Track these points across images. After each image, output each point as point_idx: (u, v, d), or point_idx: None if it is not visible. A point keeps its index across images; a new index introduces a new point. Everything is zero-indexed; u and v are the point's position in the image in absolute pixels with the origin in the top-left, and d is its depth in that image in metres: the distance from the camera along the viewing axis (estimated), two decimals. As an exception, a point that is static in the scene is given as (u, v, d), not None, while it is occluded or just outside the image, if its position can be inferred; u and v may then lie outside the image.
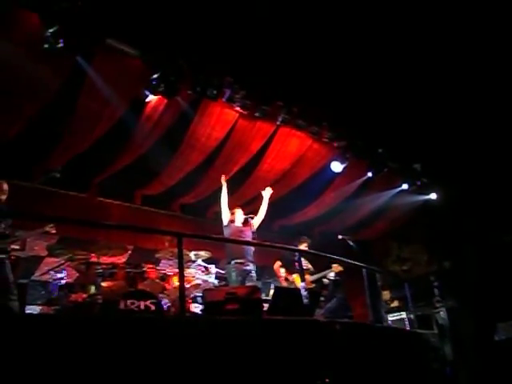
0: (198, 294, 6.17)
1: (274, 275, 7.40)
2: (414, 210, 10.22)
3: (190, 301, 6.08)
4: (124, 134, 7.13)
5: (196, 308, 6.02)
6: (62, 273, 6.14)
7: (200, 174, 8.41)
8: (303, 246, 7.10)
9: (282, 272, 7.20)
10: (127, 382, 3.45)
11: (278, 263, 7.27)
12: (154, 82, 6.28)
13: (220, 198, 6.48)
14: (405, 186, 9.77)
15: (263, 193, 6.70)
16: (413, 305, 7.51)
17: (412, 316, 7.62)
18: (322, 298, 6.90)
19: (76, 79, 6.04)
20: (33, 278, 6.91)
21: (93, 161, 7.44)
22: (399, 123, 8.39)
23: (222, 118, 7.46)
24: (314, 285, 7.03)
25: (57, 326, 3.46)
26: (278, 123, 7.87)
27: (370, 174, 9.28)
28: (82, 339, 3.43)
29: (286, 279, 7.12)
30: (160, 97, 6.59)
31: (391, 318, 8.11)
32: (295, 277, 6.92)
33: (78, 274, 6.43)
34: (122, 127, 6.84)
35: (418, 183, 9.80)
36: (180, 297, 4.55)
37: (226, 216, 6.36)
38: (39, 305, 6.10)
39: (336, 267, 7.15)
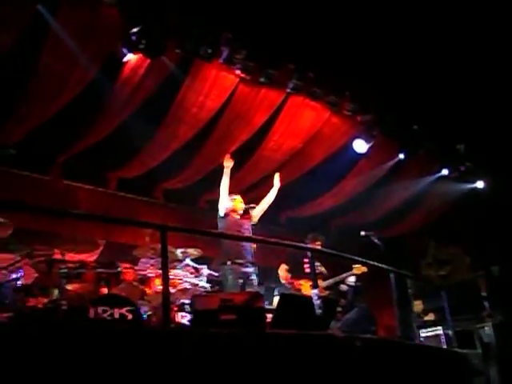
0: (185, 301, 6.21)
1: (280, 280, 7.43)
2: (456, 202, 10.22)
3: (176, 309, 6.11)
4: (96, 102, 7.13)
5: (183, 318, 6.06)
6: (18, 272, 6.16)
7: (189, 152, 8.43)
8: (316, 245, 7.12)
9: (290, 277, 7.23)
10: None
11: (284, 267, 7.30)
12: (133, 38, 6.26)
13: (214, 183, 6.49)
14: (445, 172, 9.80)
15: (274, 178, 6.68)
16: (451, 318, 7.54)
17: (450, 332, 7.65)
18: (339, 308, 6.93)
19: (36, 33, 6.02)
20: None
21: (57, 135, 7.45)
22: (439, 94, 8.36)
23: (217, 83, 7.46)
24: (328, 292, 7.06)
25: (11, 337, 3.49)
26: (287, 91, 7.86)
27: (401, 156, 9.30)
28: (42, 354, 3.45)
29: (294, 285, 7.16)
30: (141, 56, 6.58)
31: (424, 333, 8.14)
32: (302, 283, 6.95)
33: (37, 275, 6.46)
34: (93, 94, 6.83)
35: (462, 168, 9.81)
36: (163, 304, 4.57)
37: (224, 205, 6.36)
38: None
39: (358, 269, 7.17)
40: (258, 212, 6.56)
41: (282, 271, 7.32)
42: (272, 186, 6.78)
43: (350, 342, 4.95)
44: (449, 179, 9.90)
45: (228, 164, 6.38)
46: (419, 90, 8.37)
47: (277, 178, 6.72)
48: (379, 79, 8.14)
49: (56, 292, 6.02)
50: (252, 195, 7.76)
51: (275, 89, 7.81)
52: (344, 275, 7.30)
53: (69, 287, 6.00)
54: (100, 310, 4.58)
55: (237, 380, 4.03)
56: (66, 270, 6.05)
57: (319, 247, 7.07)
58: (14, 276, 6.11)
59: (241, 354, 4.16)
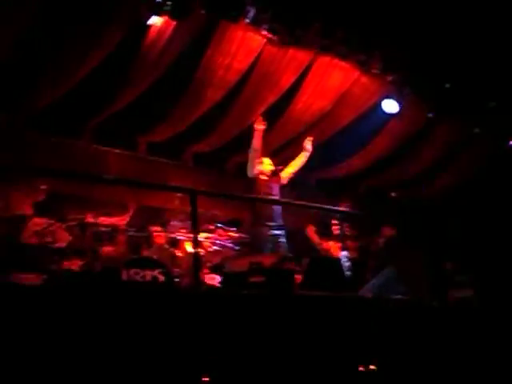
0: (215, 263, 6.29)
1: (308, 242, 7.44)
2: (489, 162, 10.02)
3: (207, 271, 6.20)
4: (122, 66, 7.10)
5: (213, 280, 6.14)
6: (52, 236, 6.31)
7: (217, 115, 8.38)
8: (344, 207, 7.09)
9: (318, 239, 7.23)
10: (131, 366, 3.58)
11: (312, 228, 7.29)
12: (158, 0, 6.17)
13: (242, 146, 6.46)
14: (476, 131, 9.54)
15: (306, 143, 6.60)
16: (483, 279, 7.47)
17: (481, 293, 7.59)
18: (368, 270, 6.93)
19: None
20: (18, 241, 7.13)
21: (85, 100, 7.47)
22: (471, 51, 8.08)
23: (244, 44, 7.35)
24: (357, 253, 7.06)
25: (47, 299, 3.58)
26: (315, 51, 7.71)
27: (432, 115, 9.07)
28: (77, 315, 3.55)
29: (323, 247, 7.17)
30: (166, 18, 6.50)
31: (455, 295, 8.11)
32: (331, 244, 6.95)
33: (71, 238, 6.60)
34: (120, 58, 6.81)
35: (494, 127, 9.54)
36: (194, 266, 4.64)
37: (253, 168, 6.32)
38: (25, 272, 6.32)
39: (387, 231, 7.14)
40: (287, 174, 6.52)
41: (311, 233, 7.33)
42: (301, 147, 6.72)
43: (379, 303, 4.97)
44: (481, 139, 9.67)
45: (259, 127, 6.31)
46: (450, 46, 8.10)
47: (309, 142, 6.64)
48: (409, 36, 7.89)
49: (89, 254, 6.17)
50: (280, 157, 7.71)
51: (303, 49, 7.66)
52: (373, 237, 7.27)
53: (101, 250, 6.13)
54: (132, 272, 4.70)
55: (265, 341, 4.09)
56: (98, 234, 6.18)
57: (348, 209, 7.04)
58: (48, 239, 6.27)
59: (270, 316, 4.21)
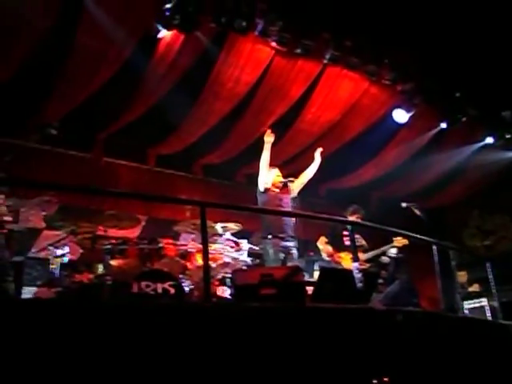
0: (226, 275, 6.28)
1: (320, 253, 7.42)
2: (501, 171, 9.95)
3: (217, 283, 6.20)
4: (133, 79, 7.18)
5: (224, 292, 6.14)
6: (63, 249, 6.34)
7: (226, 127, 8.43)
8: (355, 218, 7.06)
9: (330, 249, 7.20)
10: (141, 379, 3.58)
11: (324, 239, 7.27)
12: (167, 13, 6.26)
13: (252, 158, 6.47)
14: (489, 140, 9.55)
15: (315, 154, 6.61)
16: (497, 289, 7.40)
17: (495, 303, 7.52)
18: (380, 281, 6.89)
19: (72, 13, 6.08)
20: (29, 254, 7.18)
21: (96, 113, 7.57)
22: (481, 59, 8.06)
23: (253, 56, 7.40)
24: (369, 265, 7.02)
25: (59, 312, 3.60)
26: (324, 62, 7.74)
27: (443, 125, 9.10)
28: (89, 328, 3.56)
29: (334, 258, 7.14)
30: (175, 32, 6.58)
31: (468, 305, 8.04)
32: (343, 255, 6.92)
33: (82, 251, 6.64)
34: (130, 71, 6.88)
35: (507, 136, 9.50)
36: (204, 279, 4.62)
37: (264, 180, 6.33)
38: (38, 286, 6.36)
39: (399, 241, 7.10)
40: (297, 186, 6.51)
41: (322, 244, 7.30)
42: (311, 159, 6.72)
43: (391, 315, 4.93)
44: (493, 148, 9.63)
45: (269, 139, 6.31)
46: (461, 55, 8.09)
47: (318, 153, 6.64)
48: (419, 46, 7.91)
49: (100, 267, 6.19)
50: (290, 168, 7.72)
51: (312, 60, 7.70)
52: (385, 248, 7.23)
53: (113, 263, 6.15)
54: (143, 284, 4.69)
55: (277, 354, 4.07)
56: (109, 246, 6.20)
57: (358, 220, 7.01)
58: (59, 252, 6.30)
59: (281, 329, 4.19)
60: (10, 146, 6.87)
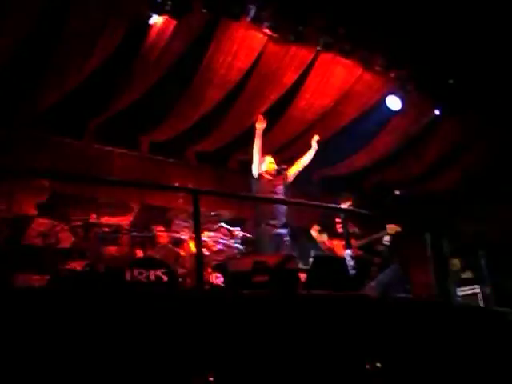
0: (219, 263, 6.30)
1: (313, 241, 7.44)
2: (496, 158, 9.99)
3: (210, 270, 6.22)
4: (124, 66, 7.13)
5: (217, 279, 6.16)
6: (56, 236, 6.33)
7: (219, 114, 8.40)
8: (347, 205, 7.07)
9: (324, 237, 7.22)
10: (134, 367, 3.60)
11: (316, 227, 7.29)
12: (158, -1, 6.20)
13: (245, 144, 6.46)
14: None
15: (312, 141, 6.60)
16: (490, 276, 7.45)
17: (488, 290, 7.59)
18: (372, 268, 6.92)
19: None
20: (22, 242, 7.17)
21: (87, 100, 7.50)
22: (475, 45, 8.05)
23: (245, 43, 7.36)
24: (362, 252, 7.05)
25: (51, 301, 3.61)
26: (318, 48, 7.70)
27: (437, 112, 9.08)
28: (81, 316, 3.57)
29: (326, 246, 7.16)
30: (167, 18, 6.52)
31: (461, 292, 8.09)
32: (335, 243, 6.95)
33: (74, 238, 6.63)
34: (121, 58, 6.85)
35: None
36: (197, 267, 4.65)
37: (257, 167, 6.33)
38: (29, 273, 6.36)
39: (392, 228, 7.12)
40: (292, 173, 6.51)
41: (315, 232, 7.32)
42: (304, 146, 6.71)
43: (383, 302, 4.97)
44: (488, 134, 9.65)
45: (260, 125, 6.30)
46: (454, 41, 8.07)
47: (315, 141, 6.63)
48: (412, 32, 7.87)
49: (93, 255, 6.19)
50: (283, 155, 7.73)
51: (305, 46, 7.65)
52: (378, 235, 7.25)
53: (105, 250, 6.15)
54: (136, 272, 4.71)
55: (270, 341, 4.10)
56: (101, 234, 6.19)
57: (350, 207, 7.02)
58: (52, 240, 6.29)
59: (274, 316, 4.22)
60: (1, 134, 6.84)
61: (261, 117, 6.37)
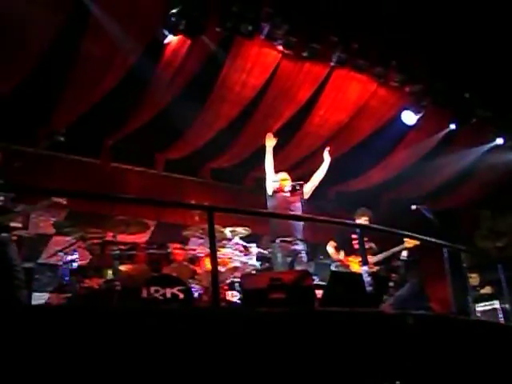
0: (235, 280, 6.30)
1: (329, 257, 7.42)
2: (512, 172, 9.92)
3: (226, 288, 6.21)
4: (139, 85, 7.23)
5: (233, 297, 6.15)
6: (73, 254, 6.39)
7: (234, 131, 8.46)
8: (363, 220, 7.05)
9: (341, 254, 7.20)
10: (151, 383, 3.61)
11: (333, 243, 7.27)
12: (173, 19, 6.30)
13: (261, 161, 6.47)
14: (499, 141, 9.51)
15: (324, 153, 6.62)
16: (510, 291, 7.35)
17: (508, 306, 7.48)
18: (390, 284, 6.87)
19: (78, 19, 6.14)
20: (39, 260, 7.25)
21: (103, 119, 7.62)
22: (490, 59, 8.03)
23: (260, 60, 7.43)
24: (378, 267, 7.01)
25: (69, 319, 3.63)
26: (332, 64, 7.76)
27: (452, 126, 9.06)
28: (99, 333, 3.59)
29: (343, 262, 7.14)
30: (181, 37, 6.62)
31: (481, 308, 8.00)
32: (351, 259, 6.92)
33: (91, 256, 6.69)
34: (137, 77, 6.93)
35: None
36: (213, 283, 4.65)
37: (271, 184, 6.35)
38: (48, 292, 6.42)
39: (409, 242, 7.07)
40: (308, 189, 6.51)
41: (331, 248, 7.31)
42: (320, 161, 6.72)
43: (402, 319, 4.91)
44: (504, 148, 9.59)
45: (270, 143, 6.34)
46: (469, 55, 8.07)
47: (326, 152, 6.65)
48: (426, 46, 7.90)
49: (110, 273, 6.24)
50: (299, 172, 7.74)
51: (319, 63, 7.71)
52: (395, 249, 7.20)
53: (122, 268, 6.18)
54: (152, 289, 4.74)
55: (287, 359, 4.08)
56: (118, 252, 6.23)
57: (367, 222, 7.00)
58: (69, 258, 6.36)
59: (290, 333, 4.20)
60: (19, 154, 6.93)
61: (270, 134, 6.41)
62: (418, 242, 6.99)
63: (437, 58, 8.12)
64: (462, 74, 8.40)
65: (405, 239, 7.08)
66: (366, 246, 6.56)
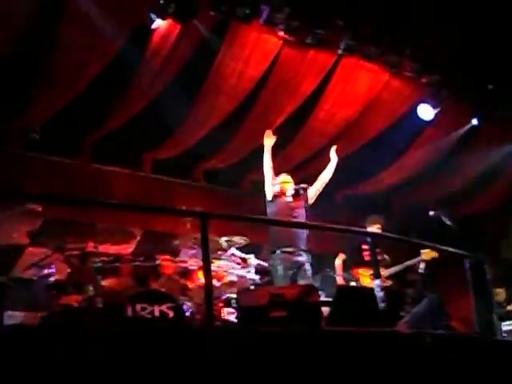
0: (231, 296, 6.30)
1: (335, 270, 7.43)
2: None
3: (221, 305, 6.21)
4: (124, 76, 7.25)
5: (230, 314, 6.15)
6: (49, 268, 6.38)
7: (230, 128, 8.47)
8: (375, 228, 7.06)
9: (347, 274, 7.21)
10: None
11: (342, 256, 7.27)
12: (161, 1, 6.33)
13: (260, 162, 6.48)
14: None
15: (331, 152, 6.63)
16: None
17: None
18: (405, 300, 6.88)
19: (54, 2, 6.13)
20: (11, 275, 7.23)
21: (84, 115, 7.62)
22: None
23: (258, 48, 7.46)
24: (392, 281, 7.01)
25: (43, 341, 3.62)
26: (339, 52, 7.78)
27: (474, 122, 9.11)
28: (77, 358, 3.58)
29: (352, 275, 7.14)
30: (171, 21, 6.63)
31: (507, 326, 8.01)
32: (361, 272, 6.92)
33: (70, 270, 6.68)
34: (122, 67, 6.96)
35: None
36: (206, 299, 4.64)
37: (270, 187, 6.36)
38: (21, 310, 6.39)
39: (426, 254, 7.08)
40: (313, 192, 6.51)
41: (338, 260, 7.31)
42: (326, 162, 6.73)
43: (419, 338, 4.92)
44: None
45: (269, 141, 6.34)
46: (493, 41, 8.08)
47: (333, 151, 6.66)
48: (445, 31, 7.90)
49: (90, 288, 6.22)
50: (302, 174, 7.76)
51: (324, 50, 7.76)
52: (410, 262, 7.21)
53: (104, 283, 6.18)
54: (138, 307, 4.73)
55: (290, 382, 4.08)
56: (100, 264, 6.23)
57: (379, 231, 7.00)
58: (45, 272, 6.34)
59: (294, 356, 4.19)
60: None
61: (269, 131, 6.41)
62: (436, 254, 7.01)
63: (457, 45, 8.13)
64: (485, 63, 8.41)
65: (422, 250, 7.09)
66: (379, 258, 6.57)
